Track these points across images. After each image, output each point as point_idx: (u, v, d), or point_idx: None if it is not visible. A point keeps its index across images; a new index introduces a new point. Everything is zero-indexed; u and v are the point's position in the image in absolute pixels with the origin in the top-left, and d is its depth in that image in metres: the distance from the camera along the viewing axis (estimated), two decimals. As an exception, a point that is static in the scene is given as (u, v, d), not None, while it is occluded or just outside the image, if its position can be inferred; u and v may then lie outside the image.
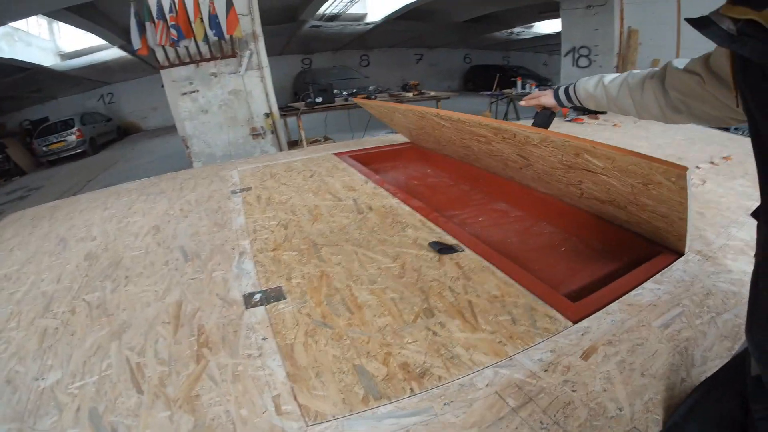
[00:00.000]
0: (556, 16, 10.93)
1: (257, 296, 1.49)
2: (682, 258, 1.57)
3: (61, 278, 1.84)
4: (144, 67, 13.79)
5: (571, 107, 1.63)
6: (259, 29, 5.43)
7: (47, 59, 13.27)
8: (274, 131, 5.86)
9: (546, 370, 1.03)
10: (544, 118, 1.77)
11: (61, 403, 1.14)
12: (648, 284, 1.36)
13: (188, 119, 5.39)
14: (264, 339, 1.27)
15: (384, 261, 1.65)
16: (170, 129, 10.04)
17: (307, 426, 0.96)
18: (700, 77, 0.99)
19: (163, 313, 1.46)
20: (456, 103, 11.23)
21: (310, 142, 6.25)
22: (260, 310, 1.41)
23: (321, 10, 12.47)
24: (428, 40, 17.22)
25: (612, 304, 1.27)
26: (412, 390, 1.03)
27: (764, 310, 0.73)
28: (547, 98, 1.65)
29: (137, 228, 2.29)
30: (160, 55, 5.21)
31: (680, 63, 1.09)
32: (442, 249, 1.67)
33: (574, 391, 0.97)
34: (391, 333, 1.25)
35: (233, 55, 5.33)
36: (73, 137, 13.04)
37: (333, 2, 12.24)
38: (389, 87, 8.00)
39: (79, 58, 13.89)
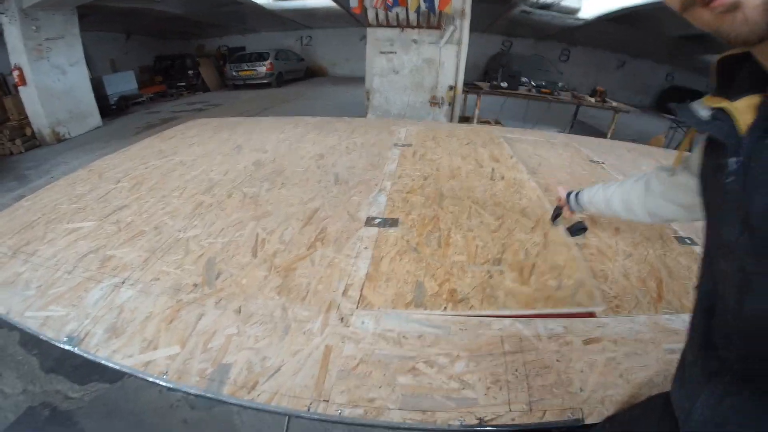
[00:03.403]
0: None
1: (377, 220, 1.86)
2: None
3: (228, 172, 2.35)
4: (348, 19, 14.03)
5: (579, 212, 1.60)
6: (468, 8, 5.61)
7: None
8: (452, 104, 6.06)
9: (549, 338, 1.23)
10: (574, 229, 1.75)
11: (189, 249, 1.60)
12: (686, 315, 1.41)
13: (378, 75, 5.84)
14: (365, 248, 1.64)
15: (488, 218, 1.90)
16: (354, 80, 10.33)
17: (356, 308, 1.30)
18: (673, 170, 1.09)
19: (300, 213, 1.89)
20: (634, 120, 10.52)
21: (481, 122, 6.38)
22: (374, 230, 1.78)
23: (536, -4, 12.19)
24: (634, 48, 15.60)
25: (641, 317, 1.38)
26: (445, 309, 1.31)
27: (682, 370, 0.83)
28: (562, 193, 1.63)
29: (304, 152, 2.74)
30: (371, 15, 5.66)
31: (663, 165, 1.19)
32: (573, 229, 1.74)
33: (558, 360, 1.16)
34: (458, 267, 1.53)
35: (438, 27, 5.58)
36: (264, 69, 13.87)
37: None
38: (577, 87, 7.75)
39: (291, 1, 14.50)
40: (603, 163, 3.01)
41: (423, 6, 5.40)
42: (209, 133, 3.15)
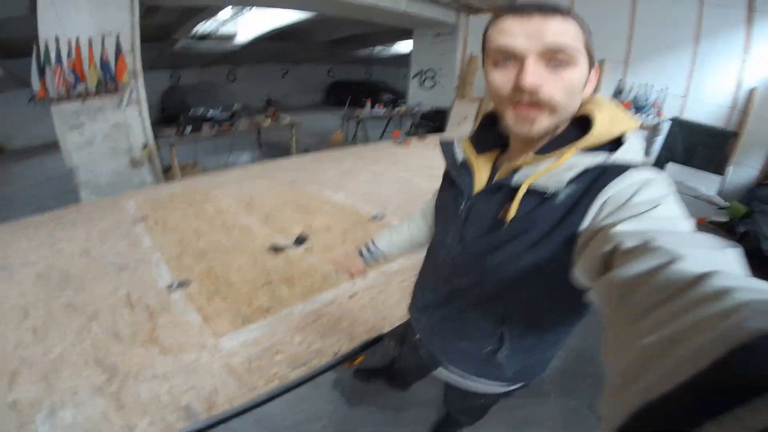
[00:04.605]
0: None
1: (175, 285, 2.46)
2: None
3: (24, 293, 2.44)
4: (7, 83, 12.78)
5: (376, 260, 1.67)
6: (139, 66, 5.92)
7: None
8: (151, 160, 6.36)
9: (331, 304, 2.20)
10: (299, 240, 2.94)
11: (71, 362, 1.87)
12: (400, 260, 2.57)
13: (75, 151, 5.72)
14: (186, 305, 2.27)
15: (243, 258, 2.73)
16: (44, 149, 9.19)
17: (217, 339, 2.00)
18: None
19: (120, 301, 2.34)
20: (314, 122, 12.19)
21: (182, 168, 6.71)
22: (179, 292, 2.39)
23: (194, 30, 12.77)
24: (294, 57, 17.72)
25: (373, 272, 2.47)
26: (264, 317, 2.13)
27: (412, 301, 1.32)
28: (352, 261, 1.65)
29: (69, 251, 2.98)
30: (53, 94, 5.45)
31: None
32: (276, 248, 2.81)
33: (343, 312, 2.13)
34: (251, 293, 2.34)
35: (116, 90, 5.76)
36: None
37: (206, 22, 12.54)
38: (252, 103, 8.57)
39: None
40: (297, 181, 4.13)
41: (103, 78, 5.57)
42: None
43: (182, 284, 2.45)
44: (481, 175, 1.00)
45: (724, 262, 0.54)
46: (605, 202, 0.76)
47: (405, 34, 12.83)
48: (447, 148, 1.09)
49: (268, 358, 1.86)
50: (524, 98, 0.80)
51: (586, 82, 0.84)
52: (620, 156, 0.81)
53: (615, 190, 0.76)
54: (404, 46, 18.51)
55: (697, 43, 7.42)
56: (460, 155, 1.05)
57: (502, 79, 0.82)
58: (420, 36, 11.74)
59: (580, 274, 0.72)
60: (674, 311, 0.43)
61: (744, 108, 7.00)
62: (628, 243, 0.61)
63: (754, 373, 0.27)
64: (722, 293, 0.39)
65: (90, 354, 1.94)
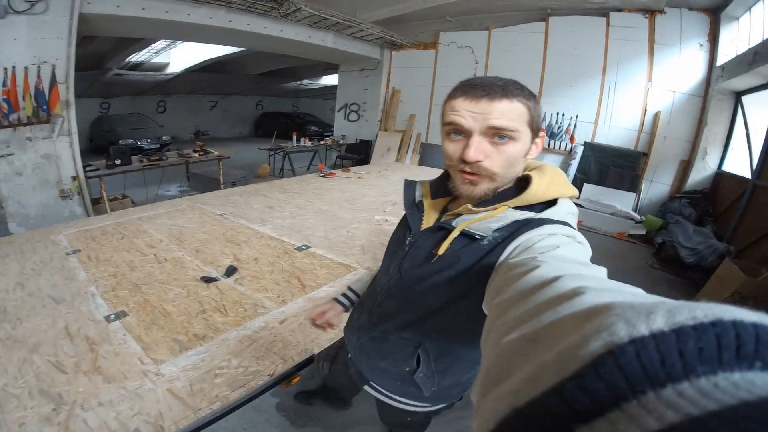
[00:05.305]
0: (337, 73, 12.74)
1: (112, 316, 2.55)
2: (352, 271, 3.11)
3: None
4: None
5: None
6: (72, 97, 5.89)
7: None
8: (80, 192, 6.32)
9: (263, 329, 2.40)
10: (229, 271, 3.08)
11: (14, 394, 1.91)
12: (325, 287, 2.84)
13: (4, 181, 5.60)
14: (124, 335, 2.38)
15: (177, 289, 2.86)
16: None
17: (158, 366, 2.14)
18: None
19: (59, 334, 2.39)
20: (242, 154, 12.59)
21: (111, 200, 6.73)
22: (117, 323, 2.49)
23: (127, 59, 12.72)
24: (223, 89, 17.93)
25: (300, 299, 2.70)
26: (200, 344, 2.29)
27: (348, 322, 1.56)
28: (333, 311, 1.68)
29: (4, 285, 2.96)
30: None
31: None
32: (207, 279, 2.97)
33: (275, 337, 2.33)
34: (186, 322, 2.49)
35: (48, 121, 5.70)
36: None
37: (139, 52, 12.50)
38: (181, 135, 8.68)
39: None
40: (225, 214, 4.32)
41: (37, 108, 5.55)
42: None
43: (119, 315, 2.55)
44: (430, 217, 1.16)
45: (579, 272, 0.60)
46: (517, 246, 0.90)
47: (332, 68, 13.33)
48: (409, 187, 1.24)
49: (209, 381, 2.01)
50: (468, 168, 0.96)
51: (528, 151, 0.99)
52: (546, 215, 0.95)
53: (527, 237, 0.90)
54: (331, 79, 19.07)
55: (604, 73, 8.07)
56: (418, 195, 1.22)
57: (453, 148, 0.98)
58: (346, 71, 12.27)
59: (486, 303, 0.82)
60: (532, 309, 0.46)
61: (651, 130, 7.65)
62: (517, 264, 0.75)
63: (624, 379, 0.26)
64: (573, 294, 0.42)
65: (34, 385, 1.98)
